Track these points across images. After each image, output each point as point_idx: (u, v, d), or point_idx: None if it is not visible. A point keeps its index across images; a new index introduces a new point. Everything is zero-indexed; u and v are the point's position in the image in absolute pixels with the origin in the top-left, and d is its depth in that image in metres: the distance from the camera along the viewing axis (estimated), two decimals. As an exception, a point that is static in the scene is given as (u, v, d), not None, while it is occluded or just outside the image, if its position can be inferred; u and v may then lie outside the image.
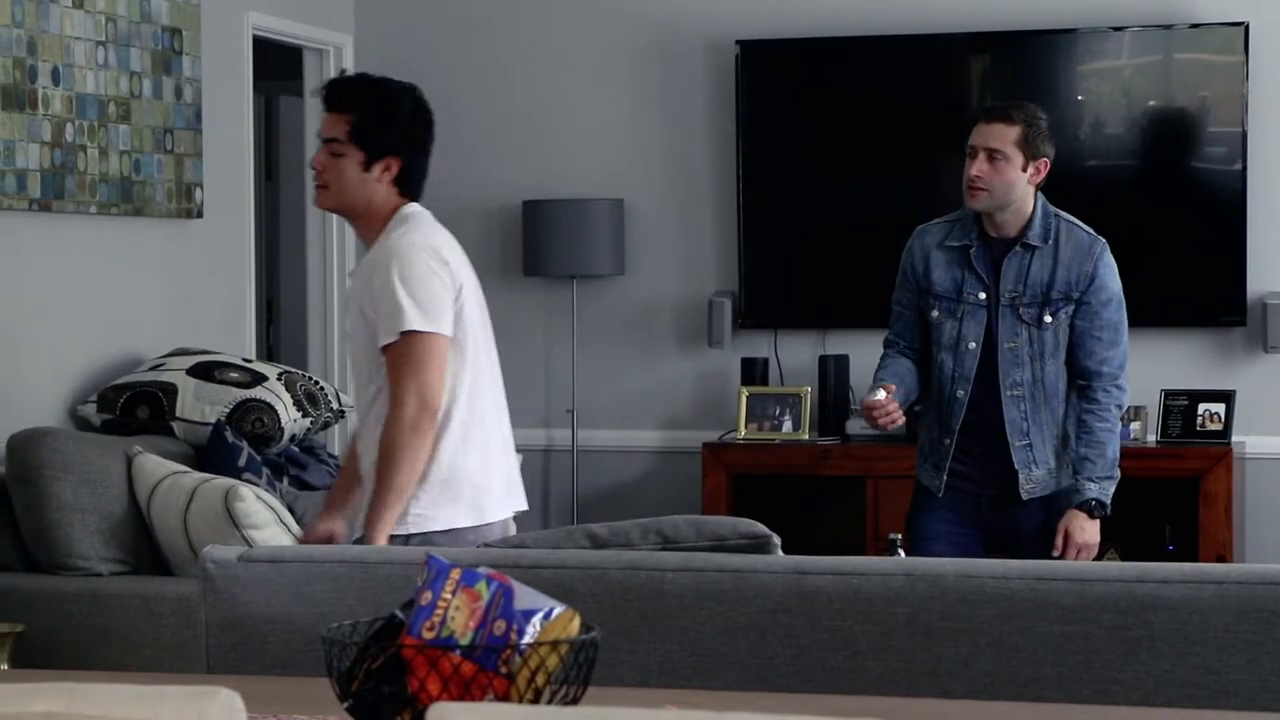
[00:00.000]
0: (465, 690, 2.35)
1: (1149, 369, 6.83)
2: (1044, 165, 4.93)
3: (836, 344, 7.15)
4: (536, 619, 2.40)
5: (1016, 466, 4.92)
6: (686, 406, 7.29)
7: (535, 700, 2.37)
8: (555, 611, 2.42)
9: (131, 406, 5.73)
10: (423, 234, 4.27)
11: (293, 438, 5.86)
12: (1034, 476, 4.94)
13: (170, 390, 5.74)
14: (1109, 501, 4.93)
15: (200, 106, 6.39)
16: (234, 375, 5.81)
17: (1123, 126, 6.94)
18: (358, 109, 4.27)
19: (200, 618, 3.59)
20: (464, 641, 2.39)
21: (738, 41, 7.16)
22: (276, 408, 5.75)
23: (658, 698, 2.72)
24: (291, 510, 5.25)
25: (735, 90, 7.17)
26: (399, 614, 2.46)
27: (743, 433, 7.01)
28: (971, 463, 4.98)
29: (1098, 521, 4.90)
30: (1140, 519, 6.68)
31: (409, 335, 4.16)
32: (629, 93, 7.34)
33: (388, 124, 4.28)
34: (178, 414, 5.72)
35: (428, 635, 2.40)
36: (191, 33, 6.34)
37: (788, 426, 6.99)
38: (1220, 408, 6.67)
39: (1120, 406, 4.99)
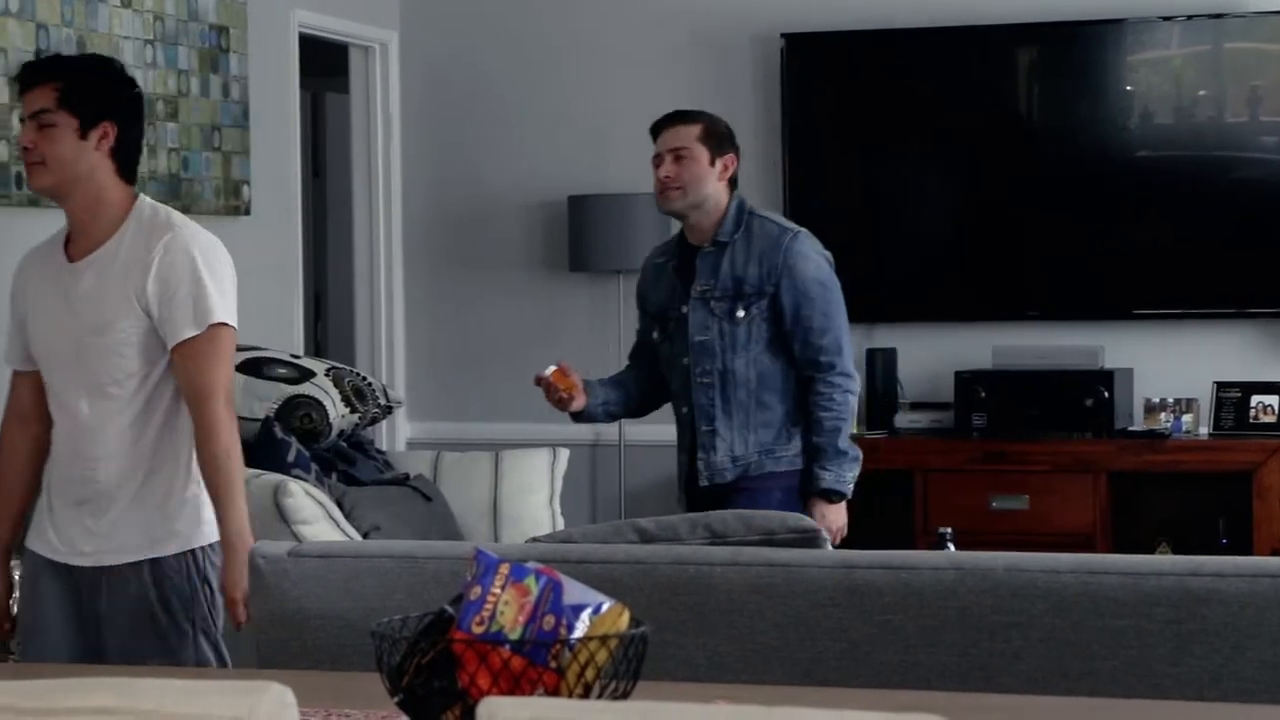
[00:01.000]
0: (515, 685, 2.34)
1: (1201, 361, 6.79)
2: (731, 161, 4.92)
3: (884, 337, 7.13)
4: (586, 614, 2.39)
5: (698, 453, 4.91)
6: (734, 401, 7.28)
7: (585, 695, 2.36)
8: (604, 606, 2.41)
9: (181, 403, 5.73)
10: (202, 229, 3.98)
11: (341, 433, 5.86)
12: (712, 462, 4.90)
13: (219, 387, 5.75)
14: (848, 484, 4.89)
15: (248, 104, 6.41)
16: (282, 371, 5.81)
17: (1172, 117, 6.90)
18: (63, 76, 3.90)
19: (251, 613, 3.60)
20: (513, 636, 2.38)
21: (783, 34, 7.14)
22: (325, 403, 5.75)
23: (707, 693, 2.71)
24: (340, 505, 5.26)
25: (780, 83, 7.15)
26: (448, 609, 2.45)
27: (791, 427, 6.98)
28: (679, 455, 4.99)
29: (841, 505, 4.89)
30: (1194, 512, 6.65)
31: (219, 327, 3.85)
32: (674, 86, 7.32)
33: (98, 88, 3.92)
34: (227, 410, 5.72)
35: (477, 630, 2.40)
36: (239, 31, 6.35)
37: (836, 420, 6.97)
38: (1274, 399, 6.62)
39: (850, 392, 4.90)
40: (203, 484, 3.88)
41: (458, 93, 7.50)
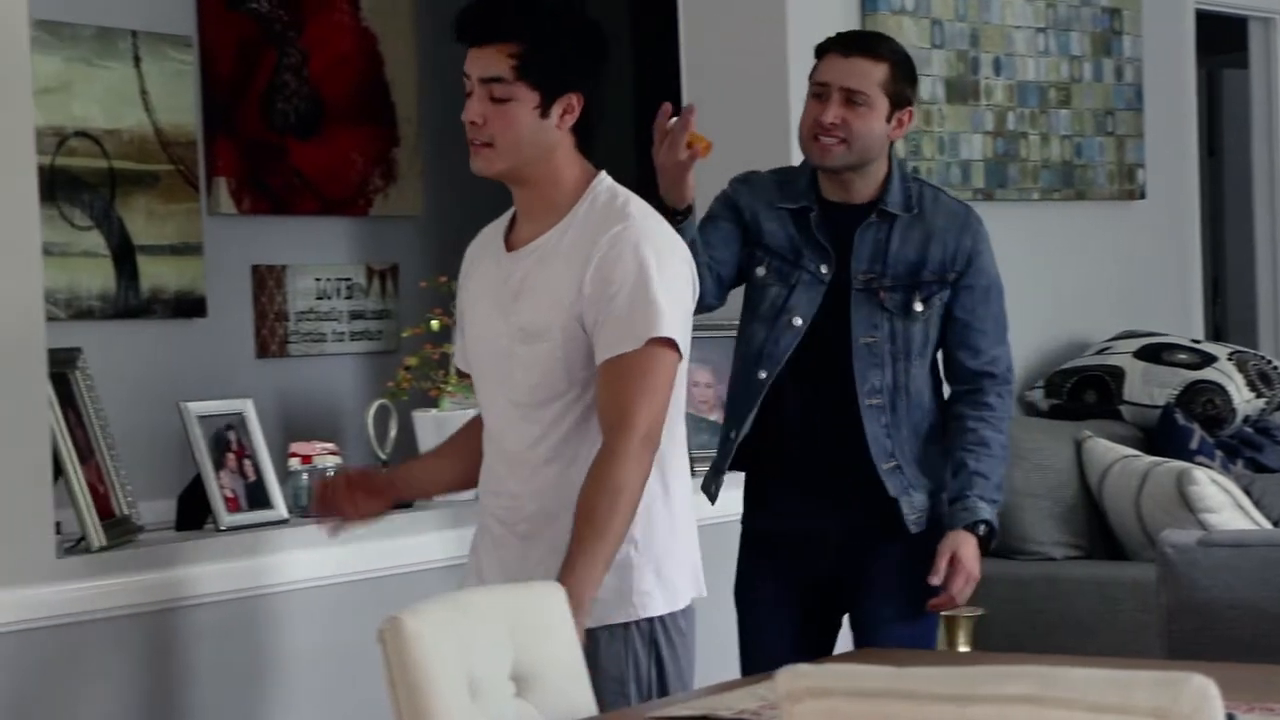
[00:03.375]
0: None
1: None
2: (908, 117, 3.74)
3: None
4: None
5: (893, 494, 3.67)
6: None
7: None
8: None
9: (1078, 391, 5.76)
10: (663, 221, 3.21)
11: (1246, 419, 5.76)
12: (916, 504, 3.69)
13: (1117, 373, 5.74)
14: (997, 529, 3.73)
15: (1140, 86, 6.35)
16: (1182, 357, 5.77)
17: None
18: (520, 36, 3.10)
19: (1158, 602, 3.55)
20: None
21: None
22: (1228, 389, 5.68)
23: None
24: (1248, 493, 5.14)
25: None
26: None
27: None
28: (787, 485, 3.76)
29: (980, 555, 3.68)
30: None
31: (659, 346, 3.06)
32: None
33: (561, 51, 3.13)
34: (1125, 397, 5.72)
35: None
36: (1132, 12, 6.30)
37: None
38: None
39: (1008, 419, 3.76)
40: (644, 538, 3.13)
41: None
